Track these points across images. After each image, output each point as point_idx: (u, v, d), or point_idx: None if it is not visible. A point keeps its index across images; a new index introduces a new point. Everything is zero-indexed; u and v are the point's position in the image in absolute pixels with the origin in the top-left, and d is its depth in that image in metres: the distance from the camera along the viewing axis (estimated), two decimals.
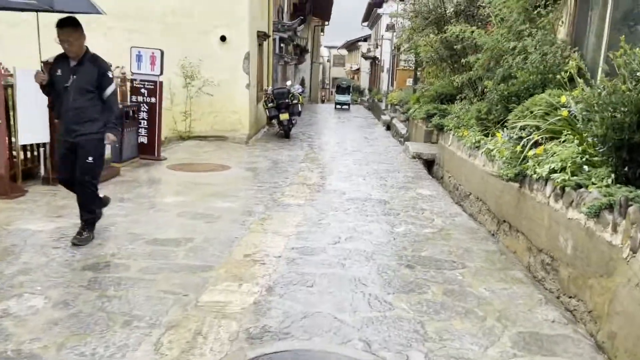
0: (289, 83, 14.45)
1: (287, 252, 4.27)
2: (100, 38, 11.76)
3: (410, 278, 3.82)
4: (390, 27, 21.56)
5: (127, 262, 3.81)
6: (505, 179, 5.18)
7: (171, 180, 7.02)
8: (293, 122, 14.18)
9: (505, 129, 5.70)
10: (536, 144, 5.06)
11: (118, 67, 8.94)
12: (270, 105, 13.40)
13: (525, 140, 5.15)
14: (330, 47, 66.66)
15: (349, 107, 29.33)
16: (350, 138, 14.35)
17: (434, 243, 4.73)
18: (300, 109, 13.82)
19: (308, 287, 3.55)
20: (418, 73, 16.21)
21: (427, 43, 10.31)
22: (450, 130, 8.93)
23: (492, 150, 6.28)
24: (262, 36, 13.88)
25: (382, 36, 33.16)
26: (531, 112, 5.62)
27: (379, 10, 39.78)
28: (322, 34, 48.42)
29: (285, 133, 13.62)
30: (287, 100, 13.42)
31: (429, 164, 10.49)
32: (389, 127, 18.58)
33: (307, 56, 39.87)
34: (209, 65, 11.91)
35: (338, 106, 29.53)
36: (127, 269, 3.68)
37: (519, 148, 5.17)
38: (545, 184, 4.52)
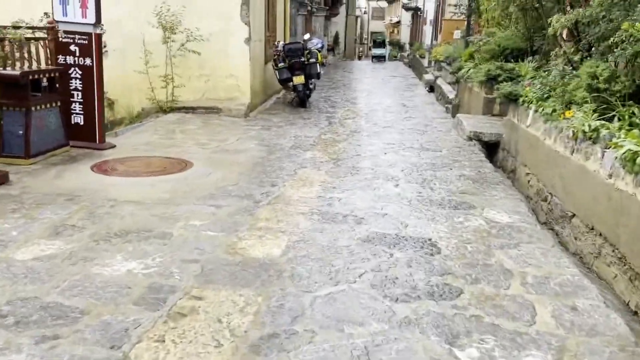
0: (306, 36, 11.41)
1: None
2: None
3: None
4: None
5: None
6: None
7: (80, 197, 4.30)
8: (311, 86, 11.20)
9: None
10: None
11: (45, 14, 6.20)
12: (280, 65, 10.44)
13: None
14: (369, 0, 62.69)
15: (385, 59, 33.10)
16: (383, 106, 11.30)
17: None
18: (319, 70, 10.81)
19: None
20: (472, 21, 12.79)
21: None
22: (531, 103, 5.87)
23: (638, 155, 3.31)
24: None
25: None
26: None
27: None
28: None
29: (300, 101, 10.70)
30: (302, 59, 10.43)
31: (491, 147, 7.48)
32: (432, 88, 15.45)
33: (342, 9, 36.13)
34: (195, 13, 9.00)
35: (375, 60, 32.69)
36: None
37: None
38: None
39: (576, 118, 4.37)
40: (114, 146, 6.22)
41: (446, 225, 3.94)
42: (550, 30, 4.97)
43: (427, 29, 30.12)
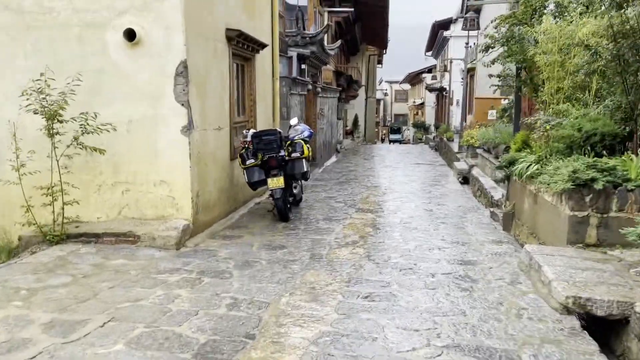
0: (293, 121, 8.17)
1: None
2: None
3: None
4: (470, 23, 14.92)
5: None
6: None
7: None
8: (295, 191, 7.81)
9: None
10: None
11: None
12: (249, 162, 7.12)
13: None
14: (392, 82, 62.10)
15: (400, 142, 41.73)
16: (404, 216, 7.75)
17: None
18: (305, 168, 7.40)
19: None
20: (521, 96, 9.41)
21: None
22: None
23: None
24: (240, 40, 7.75)
25: (451, 60, 26.55)
26: None
27: (445, 33, 33.39)
28: (379, 66, 42.59)
29: (280, 213, 7.25)
30: (280, 154, 7.11)
31: (605, 325, 3.81)
32: (466, 179, 12.22)
33: (362, 90, 33.83)
34: (101, 91, 5.86)
35: (391, 143, 40.76)
36: None
37: None
38: None
39: None
40: None
41: None
42: None
43: (455, 110, 27.28)
